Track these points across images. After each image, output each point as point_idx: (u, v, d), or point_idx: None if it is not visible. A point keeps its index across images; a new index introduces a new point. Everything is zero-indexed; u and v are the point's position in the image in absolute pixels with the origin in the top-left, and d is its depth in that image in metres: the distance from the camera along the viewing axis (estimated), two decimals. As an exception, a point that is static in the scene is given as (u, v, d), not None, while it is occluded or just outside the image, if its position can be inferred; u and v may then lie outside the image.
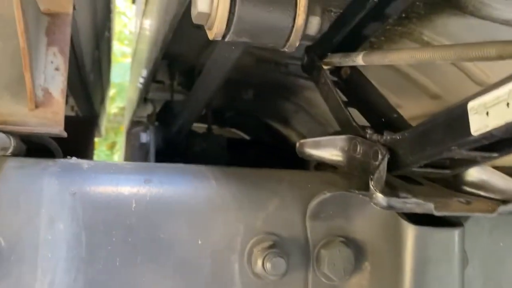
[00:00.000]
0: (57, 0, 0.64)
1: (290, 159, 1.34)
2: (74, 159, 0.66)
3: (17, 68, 0.61)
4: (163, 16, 1.00)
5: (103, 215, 0.61)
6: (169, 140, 1.35)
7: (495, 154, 0.57)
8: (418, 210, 0.58)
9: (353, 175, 0.75)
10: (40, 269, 0.58)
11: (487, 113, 0.51)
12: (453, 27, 0.90)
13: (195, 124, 1.56)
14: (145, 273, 0.61)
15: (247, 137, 2.22)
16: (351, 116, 0.78)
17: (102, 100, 2.48)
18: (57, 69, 0.65)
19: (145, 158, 1.46)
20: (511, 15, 0.76)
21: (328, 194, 0.65)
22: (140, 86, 1.66)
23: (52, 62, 0.65)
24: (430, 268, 0.62)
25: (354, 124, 0.76)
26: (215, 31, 0.62)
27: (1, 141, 0.56)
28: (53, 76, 0.64)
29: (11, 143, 0.60)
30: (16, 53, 0.60)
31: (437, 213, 0.58)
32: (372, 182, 0.59)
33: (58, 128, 0.62)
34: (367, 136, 0.72)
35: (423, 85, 1.22)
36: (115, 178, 0.64)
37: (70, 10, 0.66)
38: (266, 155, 1.95)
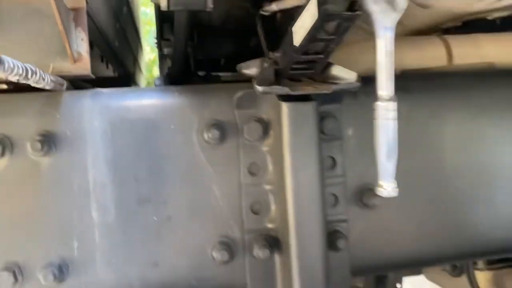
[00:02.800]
0: (76, 1, 1.14)
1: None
2: (100, 89, 1.18)
3: (61, 42, 1.12)
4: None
5: (117, 118, 1.13)
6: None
7: (319, 56, 1.01)
8: (281, 92, 1.03)
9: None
10: (89, 151, 1.11)
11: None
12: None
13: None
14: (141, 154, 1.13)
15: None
16: (266, 45, 1.24)
17: (135, 61, 3.02)
18: (82, 39, 1.15)
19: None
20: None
21: (241, 92, 1.13)
22: (155, 44, 2.16)
23: (79, 36, 1.15)
24: (300, 131, 1.09)
25: (266, 50, 1.22)
26: None
27: (59, 80, 1.08)
28: (81, 44, 1.15)
29: (64, 83, 1.13)
30: (59, 34, 1.11)
31: (292, 93, 1.03)
32: (256, 80, 1.05)
33: (87, 72, 1.13)
34: (270, 56, 1.18)
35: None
36: (130, 97, 1.15)
37: (84, 4, 1.15)
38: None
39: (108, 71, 2.48)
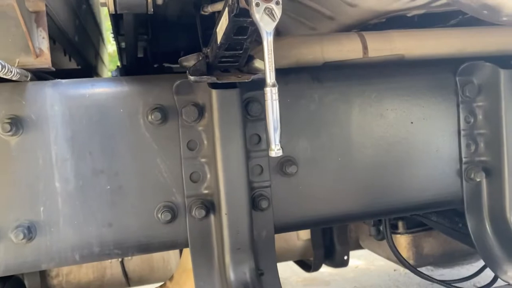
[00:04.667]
0: (37, 5, 1.36)
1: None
2: (59, 80, 1.39)
3: (25, 40, 1.33)
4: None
5: (74, 103, 1.35)
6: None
7: (238, 52, 1.26)
8: (209, 80, 1.28)
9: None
10: (51, 131, 1.33)
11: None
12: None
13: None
14: (95, 134, 1.35)
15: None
16: (202, 41, 1.48)
17: (96, 54, 3.20)
18: (43, 38, 1.36)
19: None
20: None
21: (179, 81, 1.38)
22: (112, 39, 2.36)
23: (40, 35, 1.36)
24: (227, 113, 1.34)
25: (203, 47, 1.46)
26: None
27: (24, 73, 1.29)
28: (42, 42, 1.36)
29: (29, 75, 1.34)
30: (23, 33, 1.32)
31: (217, 81, 1.27)
32: (188, 71, 1.29)
33: (47, 65, 1.35)
34: (204, 51, 1.42)
35: (319, 11, 1.70)
36: (85, 87, 1.37)
37: (44, 8, 1.37)
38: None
39: (71, 64, 2.67)
